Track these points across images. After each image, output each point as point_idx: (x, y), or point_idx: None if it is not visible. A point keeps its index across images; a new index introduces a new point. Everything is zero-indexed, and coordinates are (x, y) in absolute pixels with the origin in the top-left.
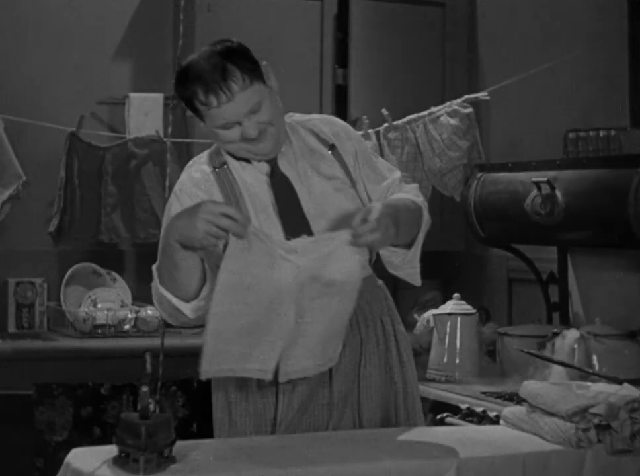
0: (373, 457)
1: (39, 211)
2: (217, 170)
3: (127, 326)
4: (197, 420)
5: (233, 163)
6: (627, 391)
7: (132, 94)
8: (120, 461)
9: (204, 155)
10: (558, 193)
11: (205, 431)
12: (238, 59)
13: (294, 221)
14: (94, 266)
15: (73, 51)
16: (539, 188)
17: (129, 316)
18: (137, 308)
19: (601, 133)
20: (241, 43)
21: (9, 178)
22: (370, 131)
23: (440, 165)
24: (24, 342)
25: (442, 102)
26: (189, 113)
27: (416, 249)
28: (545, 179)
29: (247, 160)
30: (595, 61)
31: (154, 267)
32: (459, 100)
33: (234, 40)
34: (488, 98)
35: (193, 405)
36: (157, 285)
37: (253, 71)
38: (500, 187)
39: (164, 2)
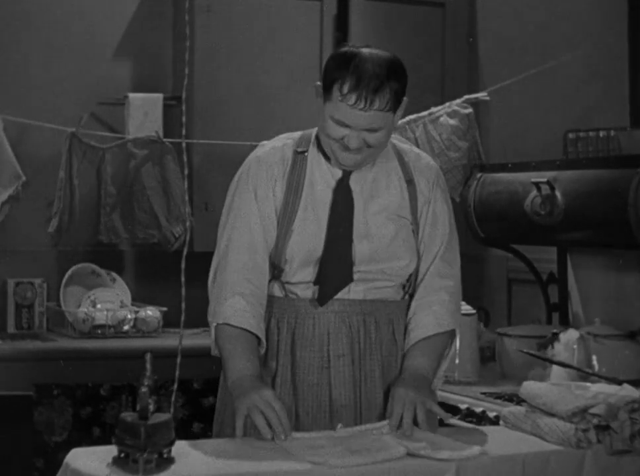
0: (373, 456)
1: (38, 212)
2: (298, 154)
3: (126, 327)
4: (197, 420)
5: (313, 154)
6: (627, 391)
7: (132, 95)
8: (119, 462)
9: (298, 134)
10: (557, 193)
11: (205, 431)
12: (395, 85)
13: (339, 232)
14: (93, 266)
15: (73, 51)
16: (538, 189)
17: (129, 316)
18: (136, 308)
19: (601, 133)
20: (405, 70)
21: (9, 179)
22: None
23: (439, 165)
24: (24, 342)
25: (442, 103)
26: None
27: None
28: (545, 179)
29: (328, 160)
30: (595, 62)
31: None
32: (458, 101)
33: (403, 63)
34: (488, 98)
35: (193, 405)
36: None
37: (397, 101)
38: (499, 187)
39: (164, 3)
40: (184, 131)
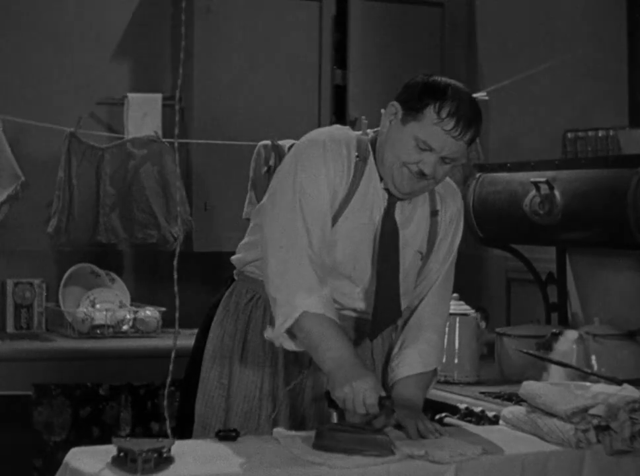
0: (374, 460)
1: (37, 212)
2: (359, 160)
3: (125, 327)
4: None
5: (371, 166)
6: (627, 391)
7: (131, 95)
8: (118, 461)
9: (354, 136)
10: (556, 193)
11: None
12: (480, 123)
13: (388, 266)
14: (92, 266)
15: (72, 51)
16: (537, 188)
17: (128, 316)
18: (135, 308)
19: (600, 133)
20: None
21: (8, 179)
22: (369, 131)
23: None
24: (23, 342)
25: None
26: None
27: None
28: (544, 179)
29: (379, 177)
30: (594, 61)
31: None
32: None
33: None
34: (487, 98)
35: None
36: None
37: (475, 140)
38: (498, 187)
39: (163, 3)
40: (176, 131)
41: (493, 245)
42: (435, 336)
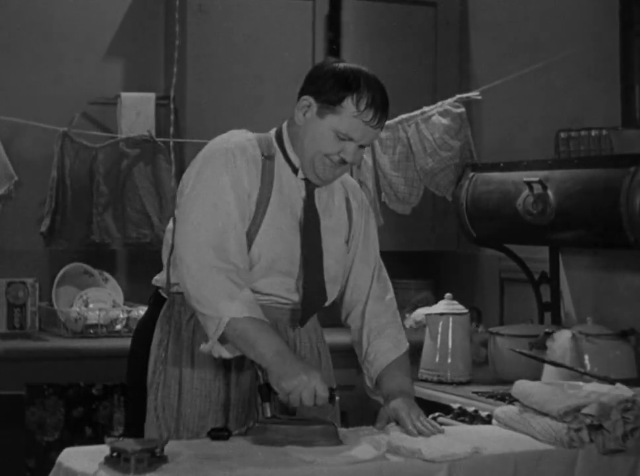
0: (363, 456)
1: (30, 211)
2: (265, 158)
3: (119, 326)
4: None
5: (279, 160)
6: (620, 390)
7: (124, 94)
8: (111, 461)
9: (253, 137)
10: (550, 193)
11: None
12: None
13: (312, 252)
14: (85, 266)
15: (65, 50)
16: (530, 188)
17: (121, 316)
18: (128, 308)
19: (593, 132)
20: None
21: (0, 178)
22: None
23: (431, 165)
24: (16, 342)
25: (434, 102)
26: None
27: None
28: (537, 179)
29: (293, 169)
30: (586, 61)
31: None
32: (450, 100)
33: None
34: (480, 97)
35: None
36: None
37: None
38: (491, 187)
39: (156, 2)
40: (172, 130)
41: (486, 245)
42: (393, 318)
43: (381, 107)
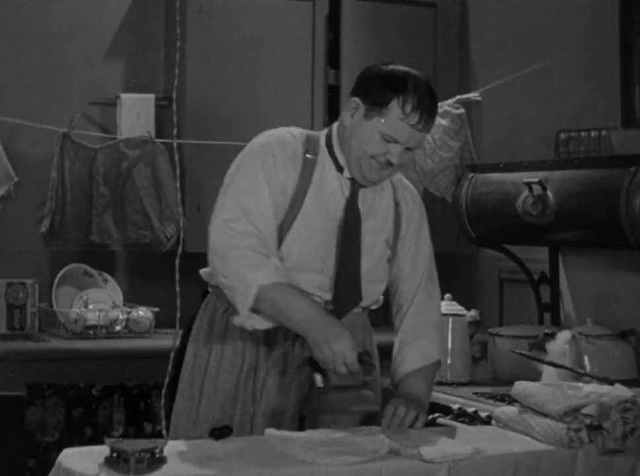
0: (363, 456)
1: (30, 212)
2: (307, 155)
3: (118, 327)
4: None
5: (323, 160)
6: (619, 391)
7: (124, 95)
8: (111, 462)
9: (299, 134)
10: (549, 193)
11: None
12: (437, 110)
13: (349, 251)
14: (85, 266)
15: (65, 51)
16: (530, 189)
17: (121, 317)
18: (128, 309)
19: (593, 133)
20: None
21: (0, 179)
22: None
23: (431, 166)
24: (16, 342)
25: None
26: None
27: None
28: (537, 179)
29: (339, 169)
30: (586, 61)
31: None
32: (450, 101)
33: None
34: (479, 98)
35: None
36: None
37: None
38: (491, 187)
39: (156, 3)
40: (175, 131)
41: (486, 245)
42: (432, 329)
43: (428, 110)
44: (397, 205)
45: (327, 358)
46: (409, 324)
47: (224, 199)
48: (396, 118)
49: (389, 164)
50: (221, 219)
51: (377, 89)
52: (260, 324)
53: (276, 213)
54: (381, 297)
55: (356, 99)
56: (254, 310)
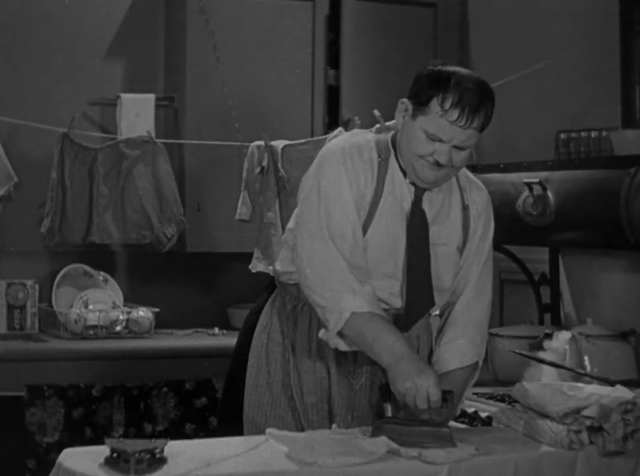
0: (365, 457)
1: (30, 212)
2: (381, 160)
3: (118, 328)
4: (189, 421)
5: (393, 163)
6: (620, 392)
7: (124, 95)
8: (111, 462)
9: (372, 139)
10: (549, 194)
11: (197, 431)
12: (490, 107)
13: (418, 256)
14: (85, 267)
15: (65, 51)
16: (530, 189)
17: (121, 317)
18: (128, 309)
19: (593, 133)
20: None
21: (0, 179)
22: (389, 124)
23: None
24: (16, 343)
25: None
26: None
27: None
28: (537, 180)
29: (403, 173)
30: (586, 62)
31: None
32: None
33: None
34: None
35: (184, 406)
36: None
37: (488, 123)
38: (491, 188)
39: (156, 3)
40: (177, 131)
41: None
42: (473, 330)
43: (470, 107)
44: (465, 208)
45: (409, 391)
46: (452, 322)
47: (314, 212)
48: (435, 114)
49: (438, 164)
50: (320, 235)
51: (421, 88)
52: (343, 346)
53: (361, 222)
54: None
55: (405, 100)
56: (341, 334)
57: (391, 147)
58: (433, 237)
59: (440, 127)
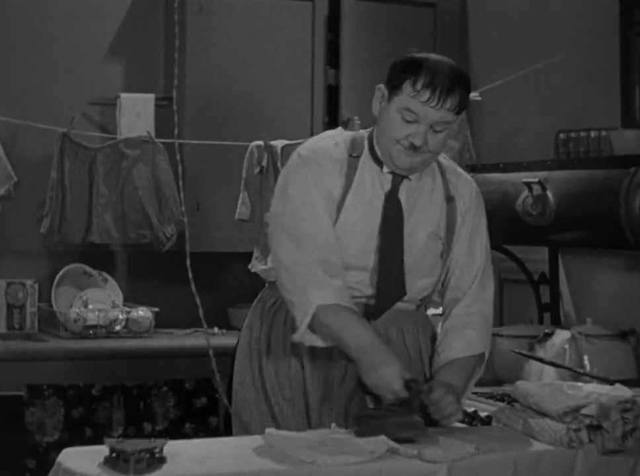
0: (364, 456)
1: (30, 212)
2: (351, 158)
3: (118, 327)
4: (188, 421)
5: (365, 158)
6: (619, 391)
7: (123, 95)
8: (110, 461)
9: (347, 137)
10: (549, 193)
11: (197, 431)
12: (464, 90)
13: (391, 245)
14: (85, 266)
15: (65, 51)
16: (530, 189)
17: (121, 317)
18: (128, 309)
19: (592, 133)
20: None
21: (0, 179)
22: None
23: None
24: (15, 342)
25: None
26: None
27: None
28: (536, 179)
29: (379, 165)
30: (586, 62)
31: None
32: None
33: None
34: (479, 98)
35: (184, 405)
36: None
37: (463, 106)
38: (491, 187)
39: (156, 3)
40: (176, 131)
41: None
42: (480, 319)
43: (442, 88)
44: (450, 199)
45: (374, 383)
46: (459, 313)
47: (282, 213)
48: (407, 96)
49: (414, 147)
50: (285, 235)
51: (395, 72)
52: (318, 342)
53: (332, 220)
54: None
55: (381, 86)
56: (312, 328)
57: (366, 142)
58: (410, 226)
59: (411, 106)
